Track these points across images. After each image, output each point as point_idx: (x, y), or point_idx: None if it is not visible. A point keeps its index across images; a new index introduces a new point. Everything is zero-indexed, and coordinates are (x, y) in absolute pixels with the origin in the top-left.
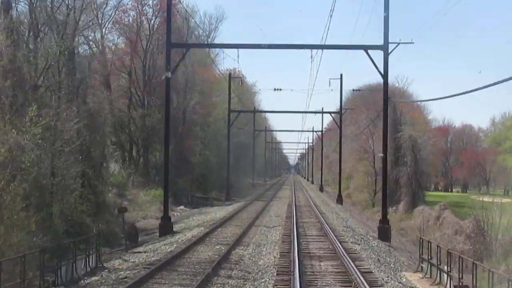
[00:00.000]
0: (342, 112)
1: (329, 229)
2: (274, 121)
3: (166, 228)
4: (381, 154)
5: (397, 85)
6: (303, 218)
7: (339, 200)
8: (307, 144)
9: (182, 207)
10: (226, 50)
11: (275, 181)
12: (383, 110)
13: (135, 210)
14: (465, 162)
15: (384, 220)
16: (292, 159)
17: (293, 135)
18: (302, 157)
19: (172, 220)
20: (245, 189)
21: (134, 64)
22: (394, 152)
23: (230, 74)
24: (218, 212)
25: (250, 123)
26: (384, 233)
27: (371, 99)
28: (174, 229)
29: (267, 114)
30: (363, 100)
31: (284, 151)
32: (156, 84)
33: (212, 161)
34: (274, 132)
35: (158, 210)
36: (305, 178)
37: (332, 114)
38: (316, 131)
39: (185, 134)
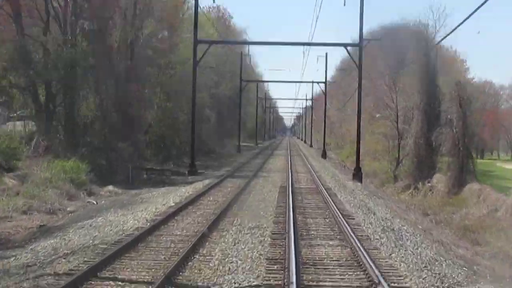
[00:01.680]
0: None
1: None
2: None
3: None
4: None
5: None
6: (309, 229)
7: (357, 175)
8: (305, 102)
9: (110, 187)
10: None
11: (268, 143)
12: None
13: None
14: (487, 123)
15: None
16: (288, 120)
17: (290, 91)
18: (299, 118)
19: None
20: (227, 156)
21: None
22: (429, 108)
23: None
24: (154, 205)
25: (237, 75)
26: None
27: (390, 42)
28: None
29: (262, 70)
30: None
31: (280, 112)
32: None
33: (179, 118)
34: (269, 89)
35: (60, 196)
36: (302, 140)
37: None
38: (318, 82)
39: (132, 77)
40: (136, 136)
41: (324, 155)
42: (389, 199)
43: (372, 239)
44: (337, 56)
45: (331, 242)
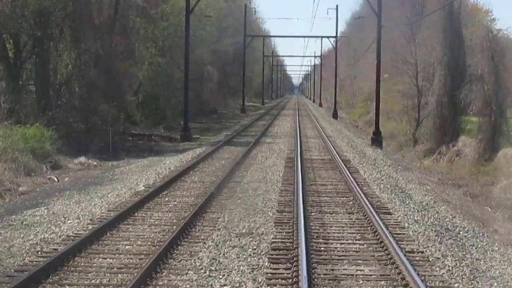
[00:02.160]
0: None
1: None
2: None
3: None
4: None
5: None
6: (329, 238)
7: (377, 140)
8: (313, 59)
9: (83, 158)
10: None
11: (275, 103)
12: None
13: None
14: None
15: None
16: (296, 78)
17: (299, 47)
18: (307, 76)
19: None
20: (230, 117)
21: None
22: (453, 62)
23: None
24: (119, 189)
25: (242, 30)
26: None
27: None
28: None
29: (268, 26)
30: None
31: (288, 70)
32: None
33: (174, 76)
34: (275, 46)
35: (15, 171)
36: (310, 99)
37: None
38: (328, 37)
39: (117, 28)
40: (123, 97)
41: (335, 115)
42: (416, 169)
43: (430, 258)
44: (347, 10)
45: (370, 273)
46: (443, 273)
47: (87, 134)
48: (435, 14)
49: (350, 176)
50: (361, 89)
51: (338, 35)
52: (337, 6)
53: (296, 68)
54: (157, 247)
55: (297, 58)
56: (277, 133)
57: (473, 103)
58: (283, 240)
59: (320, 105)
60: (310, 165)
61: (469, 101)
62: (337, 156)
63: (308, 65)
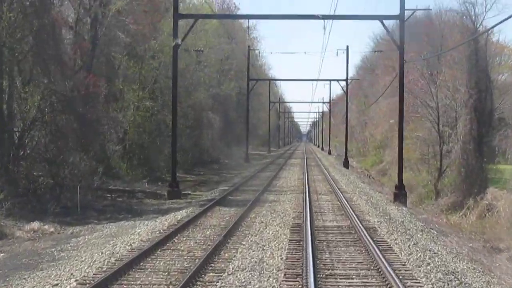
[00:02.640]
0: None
1: None
2: (285, 90)
3: None
4: None
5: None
6: None
7: (400, 195)
8: (322, 105)
9: (36, 224)
10: None
11: (282, 151)
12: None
13: None
14: None
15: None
16: (304, 126)
17: (306, 92)
18: (315, 124)
19: None
20: (232, 167)
21: None
22: (479, 104)
23: None
24: (62, 273)
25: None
26: None
27: (421, 30)
28: None
29: (274, 71)
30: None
31: (295, 117)
32: None
33: (166, 121)
34: (282, 93)
35: None
36: (318, 147)
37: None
38: (338, 80)
39: (97, 66)
40: (102, 146)
41: (346, 164)
42: (452, 233)
43: None
44: (356, 53)
45: None
46: None
47: (52, 191)
48: (458, 52)
49: (385, 262)
50: (373, 136)
51: (348, 78)
52: (347, 46)
53: (304, 115)
54: None
55: (305, 105)
56: (283, 188)
57: (509, 151)
58: None
59: (329, 153)
60: (324, 237)
61: (505, 149)
62: (358, 222)
63: (316, 112)
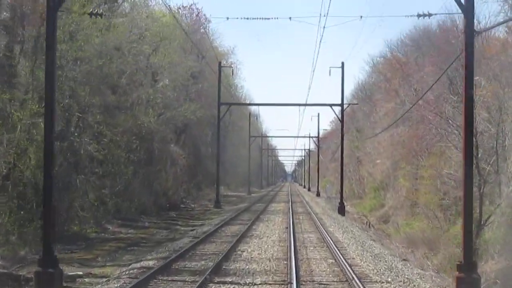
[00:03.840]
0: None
1: None
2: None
3: None
4: None
5: None
6: None
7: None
8: (309, 141)
9: None
10: None
11: (264, 192)
12: None
13: None
14: None
15: None
16: (289, 166)
17: (291, 128)
18: (300, 163)
19: None
20: (193, 215)
21: None
22: None
23: None
24: None
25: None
26: None
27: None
28: None
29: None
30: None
31: (280, 157)
32: None
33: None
34: (267, 129)
35: None
36: (305, 187)
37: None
38: (331, 105)
39: None
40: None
41: (341, 210)
42: None
43: None
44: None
45: None
46: None
47: None
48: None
49: None
50: (371, 175)
51: (343, 103)
52: (342, 63)
53: (289, 153)
54: None
55: (290, 143)
56: (253, 260)
57: None
58: None
59: (318, 194)
60: None
61: None
62: None
63: (302, 149)
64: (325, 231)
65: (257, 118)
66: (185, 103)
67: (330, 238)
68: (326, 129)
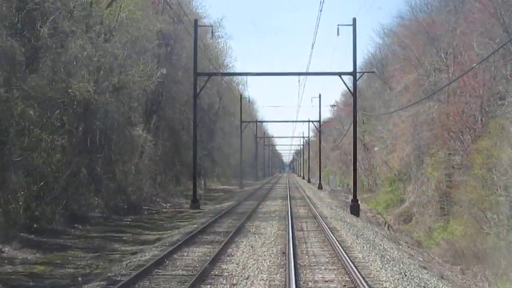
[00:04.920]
0: None
1: None
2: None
3: None
4: None
5: None
6: None
7: None
8: (308, 126)
9: None
10: None
11: (259, 184)
12: None
13: None
14: None
15: None
16: (286, 156)
17: (287, 130)
18: (298, 153)
19: None
20: (160, 219)
21: None
22: None
23: None
24: None
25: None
26: None
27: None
28: None
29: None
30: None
31: (277, 147)
32: None
33: None
34: (262, 116)
35: None
36: (304, 178)
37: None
38: (340, 74)
39: None
40: None
41: (355, 209)
42: None
43: None
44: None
45: None
46: None
47: None
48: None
49: None
50: (386, 163)
51: (356, 71)
52: (354, 20)
53: (287, 141)
54: None
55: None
56: None
57: None
58: None
59: (320, 187)
60: None
61: None
62: None
63: (301, 137)
64: (334, 237)
65: (249, 100)
66: (142, 66)
67: (343, 249)
68: (328, 116)
